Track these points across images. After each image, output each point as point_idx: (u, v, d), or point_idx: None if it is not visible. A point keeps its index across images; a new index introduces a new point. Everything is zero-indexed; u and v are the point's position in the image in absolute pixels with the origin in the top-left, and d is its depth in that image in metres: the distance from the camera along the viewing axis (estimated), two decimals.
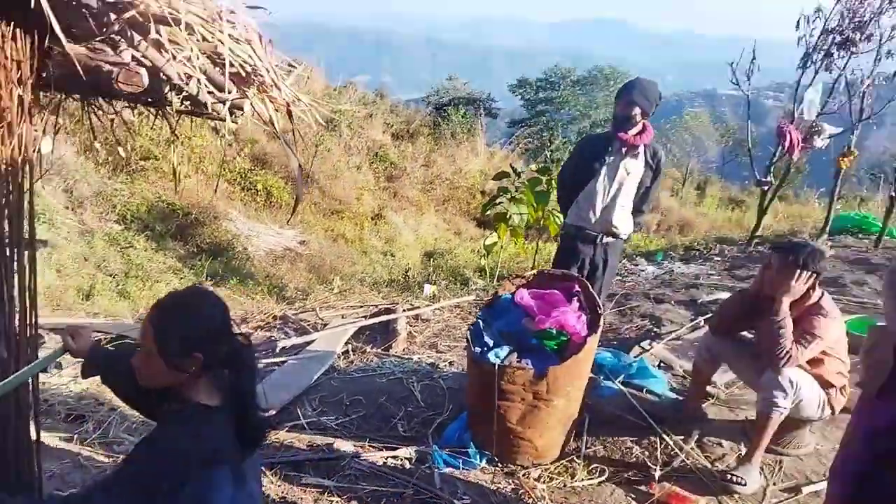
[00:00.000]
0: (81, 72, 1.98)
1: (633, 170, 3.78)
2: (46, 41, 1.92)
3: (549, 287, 3.36)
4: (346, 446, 3.22)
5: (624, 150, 3.75)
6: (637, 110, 3.68)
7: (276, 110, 2.64)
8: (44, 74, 2.06)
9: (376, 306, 5.47)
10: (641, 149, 3.77)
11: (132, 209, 7.86)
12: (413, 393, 3.79)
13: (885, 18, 7.88)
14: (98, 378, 1.99)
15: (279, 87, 2.50)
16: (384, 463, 3.07)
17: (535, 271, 3.59)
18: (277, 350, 4.34)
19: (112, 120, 3.02)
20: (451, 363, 4.32)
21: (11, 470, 2.04)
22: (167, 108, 2.52)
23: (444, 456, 3.10)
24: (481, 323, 3.31)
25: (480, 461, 3.10)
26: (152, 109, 2.92)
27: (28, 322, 2.03)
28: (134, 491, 1.50)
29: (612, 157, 3.77)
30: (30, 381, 2.09)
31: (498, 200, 7.25)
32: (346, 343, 4.59)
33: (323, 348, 4.40)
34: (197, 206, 8.45)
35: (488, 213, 7.72)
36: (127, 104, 2.79)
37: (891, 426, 1.93)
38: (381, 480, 2.91)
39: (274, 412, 3.46)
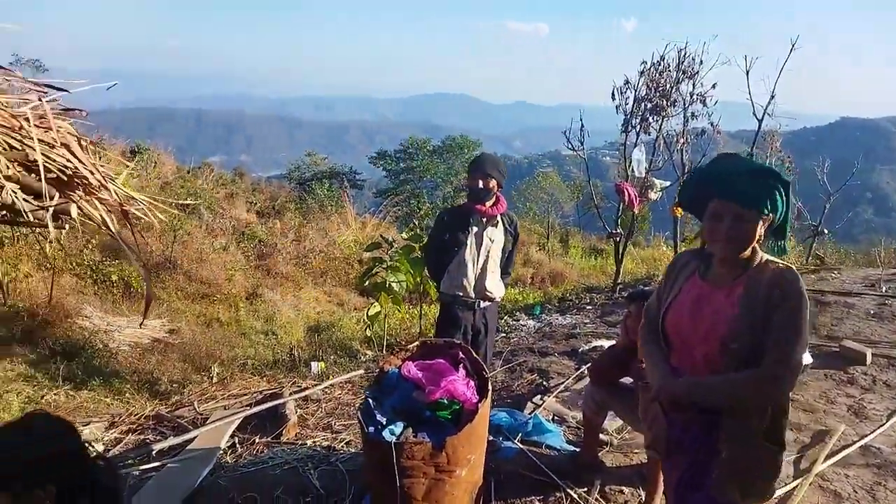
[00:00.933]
0: None
1: (496, 238, 4.12)
2: None
3: (434, 357, 3.41)
4: None
5: (484, 220, 4.06)
6: (493, 182, 4.04)
7: (109, 211, 2.48)
8: None
9: (261, 392, 5.19)
10: (499, 217, 4.11)
11: None
12: (311, 481, 3.60)
13: (683, 86, 9.23)
14: None
15: (107, 188, 2.36)
16: None
17: (417, 342, 3.62)
18: (154, 454, 3.96)
19: None
20: (347, 442, 4.18)
21: None
22: None
23: None
24: (371, 401, 3.25)
25: None
26: None
27: None
28: None
29: (475, 228, 4.07)
30: None
31: (374, 270, 7.30)
32: (232, 436, 4.29)
33: (205, 445, 4.09)
34: (42, 306, 7.65)
35: (366, 282, 7.73)
36: None
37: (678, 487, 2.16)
38: None
39: None
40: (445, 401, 3.11)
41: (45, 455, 1.49)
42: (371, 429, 3.05)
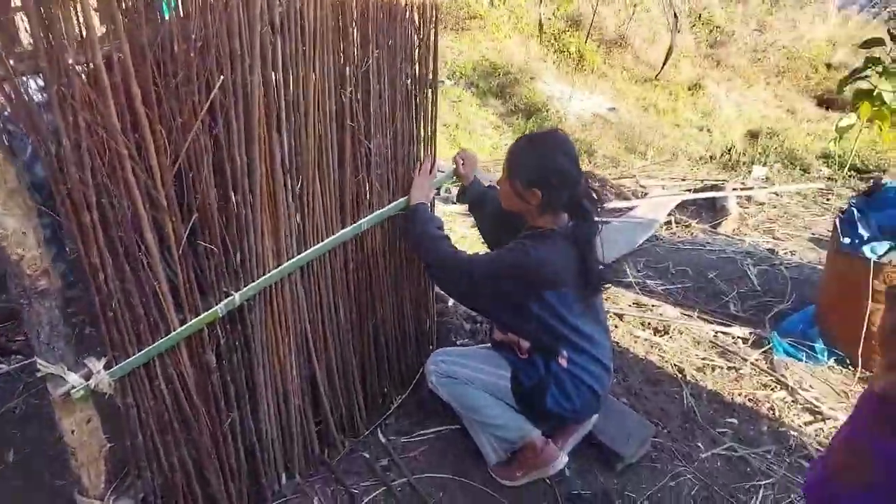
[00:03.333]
0: None
1: None
2: None
3: None
4: (672, 311, 3.21)
5: None
6: None
7: None
8: None
9: (701, 181, 5.13)
10: None
11: (460, 66, 8.39)
12: (748, 274, 3.55)
13: None
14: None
15: None
16: (715, 335, 3.00)
17: None
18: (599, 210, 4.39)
19: None
20: (791, 252, 3.91)
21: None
22: None
23: (785, 345, 2.91)
24: (855, 212, 2.87)
25: (828, 359, 2.84)
26: None
27: (430, 150, 2.31)
28: (488, 273, 1.79)
29: None
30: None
31: (864, 73, 5.98)
32: (669, 214, 4.44)
33: (645, 215, 4.33)
34: (515, 66, 8.66)
35: (845, 88, 6.47)
36: None
37: None
38: (712, 352, 2.86)
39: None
40: None
41: (542, 165, 1.75)
42: (847, 240, 2.74)
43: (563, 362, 1.88)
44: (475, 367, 1.98)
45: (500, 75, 8.44)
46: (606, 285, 1.96)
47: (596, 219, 1.81)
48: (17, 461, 2.16)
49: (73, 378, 1.40)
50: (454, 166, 2.25)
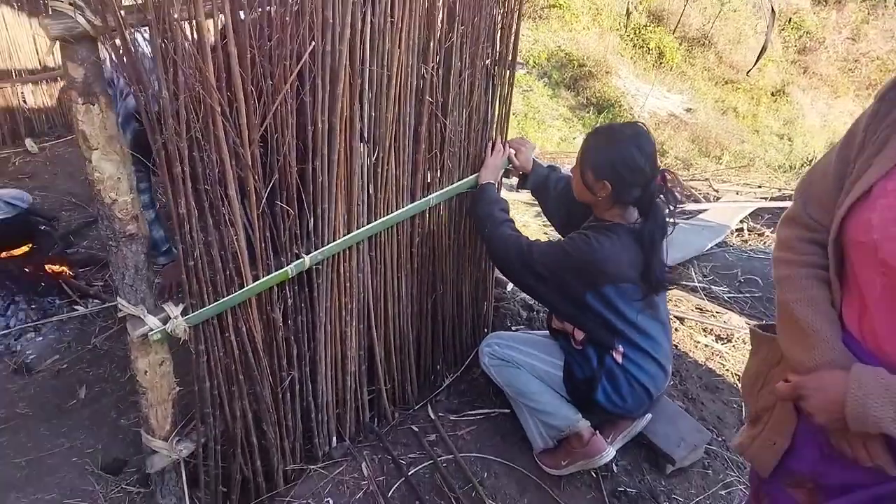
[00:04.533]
0: None
1: None
2: None
3: None
4: (737, 320, 3.11)
5: None
6: None
7: None
8: None
9: (778, 189, 4.92)
10: None
11: (534, 55, 8.30)
12: None
13: None
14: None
15: None
16: None
17: None
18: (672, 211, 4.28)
19: None
20: None
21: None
22: None
23: None
24: None
25: None
26: None
27: (503, 131, 2.29)
28: (548, 262, 1.79)
29: None
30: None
31: None
32: (742, 221, 4.28)
33: (715, 220, 4.19)
34: (591, 59, 8.51)
35: None
36: None
37: None
38: None
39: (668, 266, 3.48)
40: None
41: (615, 158, 1.71)
42: None
43: (618, 357, 1.85)
44: (529, 352, 1.98)
45: (574, 67, 8.31)
46: (669, 287, 1.91)
47: (667, 219, 1.76)
48: (87, 398, 2.30)
49: (152, 320, 1.48)
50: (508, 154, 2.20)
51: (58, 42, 1.22)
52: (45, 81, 4.55)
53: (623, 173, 1.71)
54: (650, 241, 1.75)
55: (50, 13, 1.17)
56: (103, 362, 2.47)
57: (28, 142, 4.38)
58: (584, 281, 1.77)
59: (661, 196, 1.75)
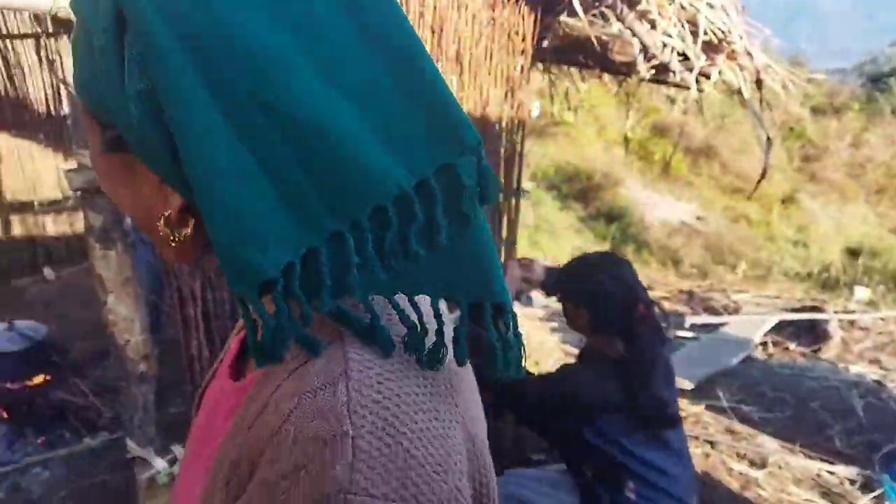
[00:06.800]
0: (575, 43, 2.13)
1: None
2: (541, 15, 2.11)
3: None
4: (770, 443, 2.95)
5: None
6: None
7: (745, 79, 2.50)
8: (543, 45, 2.27)
9: (798, 300, 4.85)
10: None
11: (542, 168, 8.57)
12: (853, 407, 3.24)
13: None
14: None
15: (751, 55, 2.37)
16: (818, 474, 2.72)
17: None
18: (687, 326, 4.21)
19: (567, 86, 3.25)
20: None
21: None
22: (630, 76, 2.56)
23: None
24: None
25: None
26: (612, 77, 3.01)
27: (511, 255, 2.31)
28: (537, 398, 1.69)
29: None
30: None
31: None
32: (765, 335, 4.19)
33: (737, 334, 4.11)
34: (598, 171, 8.76)
35: None
36: (593, 72, 2.94)
37: None
38: (815, 492, 2.58)
39: (690, 387, 3.36)
40: None
41: (589, 285, 1.69)
42: None
43: (631, 495, 1.73)
44: (545, 491, 1.87)
45: (582, 179, 8.54)
46: (668, 424, 1.80)
47: (654, 350, 1.70)
48: None
49: (160, 463, 1.42)
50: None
51: (79, 192, 1.27)
52: (65, 212, 4.72)
53: (598, 301, 1.69)
54: (634, 374, 1.68)
55: (75, 166, 1.23)
56: (112, 497, 2.36)
57: (46, 270, 4.49)
58: (574, 415, 1.69)
59: (645, 327, 1.70)
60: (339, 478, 0.35)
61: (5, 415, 2.68)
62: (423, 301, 0.44)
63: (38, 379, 2.72)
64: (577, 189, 8.52)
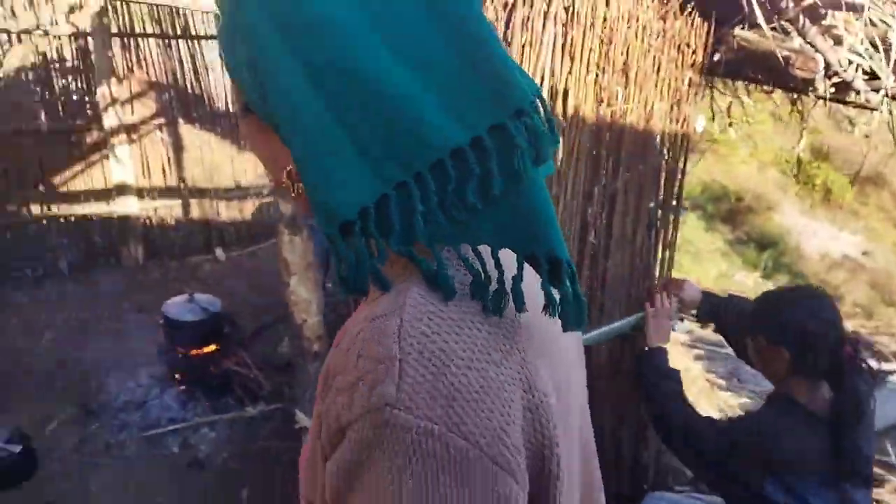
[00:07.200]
0: (752, 57, 2.03)
1: None
2: (714, 27, 2.01)
3: None
4: None
5: None
6: None
7: None
8: (714, 58, 2.18)
9: None
10: None
11: (687, 187, 8.18)
12: None
13: None
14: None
15: None
16: None
17: None
18: (869, 385, 3.82)
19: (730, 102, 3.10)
20: None
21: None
22: (807, 94, 2.38)
23: None
24: None
25: None
26: (785, 94, 2.83)
27: (668, 272, 2.24)
28: (718, 448, 1.61)
29: None
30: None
31: None
32: None
33: None
34: (750, 193, 8.21)
35: None
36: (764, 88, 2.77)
37: None
38: None
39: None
40: None
41: (788, 322, 1.55)
42: None
43: None
44: None
45: (731, 200, 8.04)
46: (865, 479, 1.63)
47: (862, 397, 1.55)
48: (249, 497, 2.42)
49: None
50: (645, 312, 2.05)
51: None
52: (237, 199, 5.24)
53: (802, 341, 1.56)
54: (840, 425, 1.54)
55: None
56: (268, 463, 2.60)
57: (218, 251, 5.00)
58: (757, 469, 1.58)
59: (852, 370, 1.57)
60: (386, 393, 0.42)
61: (181, 378, 3.05)
62: (501, 254, 0.49)
63: (210, 348, 3.06)
64: (725, 210, 8.04)
